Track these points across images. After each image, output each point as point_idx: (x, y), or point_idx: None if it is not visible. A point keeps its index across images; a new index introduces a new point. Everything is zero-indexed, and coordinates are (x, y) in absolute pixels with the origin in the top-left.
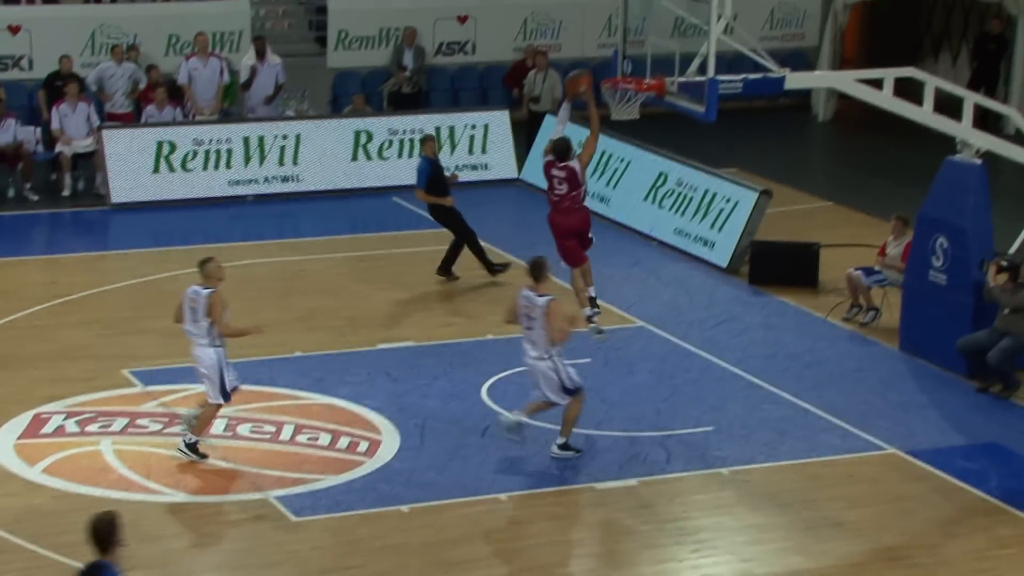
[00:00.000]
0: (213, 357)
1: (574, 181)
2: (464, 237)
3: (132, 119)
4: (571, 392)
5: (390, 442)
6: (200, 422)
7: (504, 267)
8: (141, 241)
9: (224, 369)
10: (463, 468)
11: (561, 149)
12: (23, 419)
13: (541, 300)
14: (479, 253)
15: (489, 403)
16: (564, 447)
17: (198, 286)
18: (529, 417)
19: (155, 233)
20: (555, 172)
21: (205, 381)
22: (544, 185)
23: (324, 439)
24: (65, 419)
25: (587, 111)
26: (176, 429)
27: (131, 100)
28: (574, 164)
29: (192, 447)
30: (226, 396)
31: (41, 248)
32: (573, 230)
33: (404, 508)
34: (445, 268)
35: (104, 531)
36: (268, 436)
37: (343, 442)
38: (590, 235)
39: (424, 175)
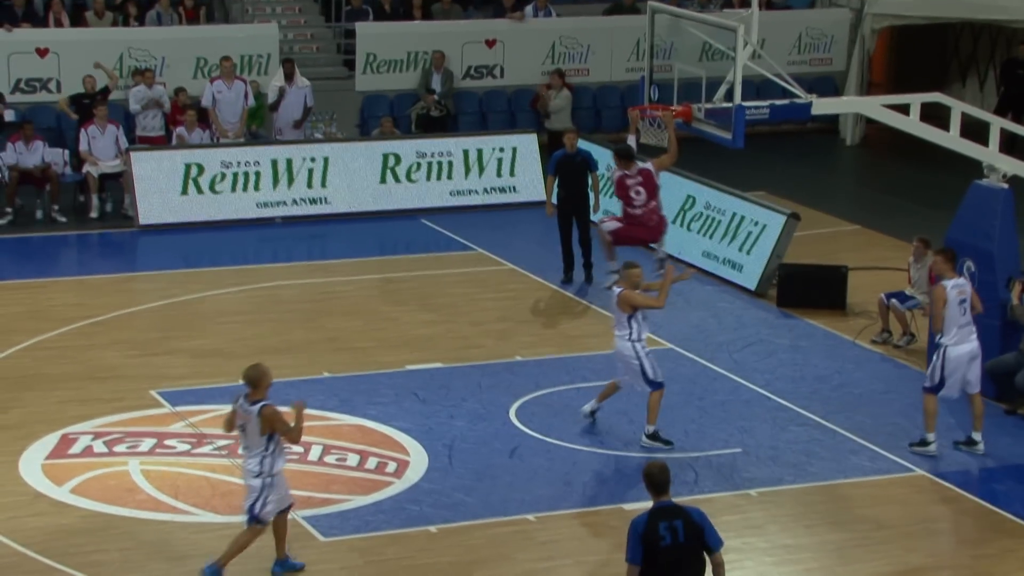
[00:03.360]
0: (256, 483)
1: (651, 184)
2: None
3: (165, 143)
4: (654, 384)
5: (418, 463)
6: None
7: (570, 279)
8: (169, 262)
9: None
10: (491, 489)
11: (626, 152)
12: (51, 439)
13: None
14: (566, 258)
15: (517, 424)
16: (653, 436)
17: (245, 401)
18: (599, 403)
19: (183, 254)
20: (629, 181)
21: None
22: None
23: (352, 459)
24: (93, 439)
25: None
26: (204, 449)
27: (162, 124)
28: (648, 166)
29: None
30: (255, 521)
31: (69, 269)
32: (652, 240)
33: (432, 529)
34: (579, 271)
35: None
36: (296, 457)
37: (371, 463)
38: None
39: (553, 164)
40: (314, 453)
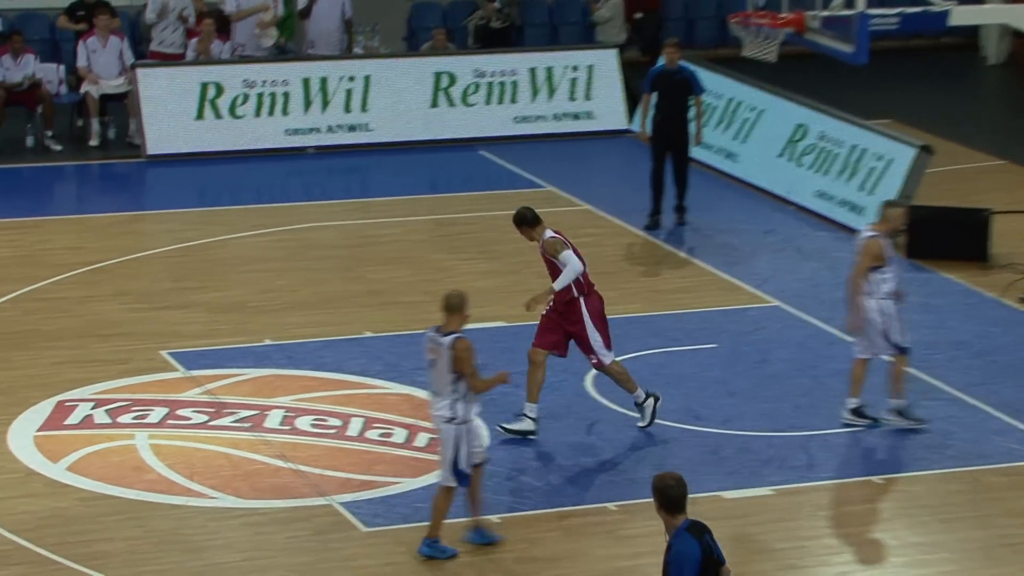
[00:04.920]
0: (450, 435)
1: (549, 263)
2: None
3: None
4: (900, 349)
5: None
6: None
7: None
8: (183, 199)
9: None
10: (563, 471)
11: (520, 218)
12: (45, 407)
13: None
14: (656, 198)
15: (595, 395)
16: (857, 412)
17: (437, 332)
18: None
19: (199, 190)
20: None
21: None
22: None
23: (399, 435)
24: (94, 408)
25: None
26: (224, 421)
27: (183, 39)
28: (549, 236)
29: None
30: (459, 477)
31: (66, 207)
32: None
33: (494, 518)
34: (668, 214)
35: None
36: (333, 431)
37: (421, 439)
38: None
39: (649, 80)
40: (354, 427)
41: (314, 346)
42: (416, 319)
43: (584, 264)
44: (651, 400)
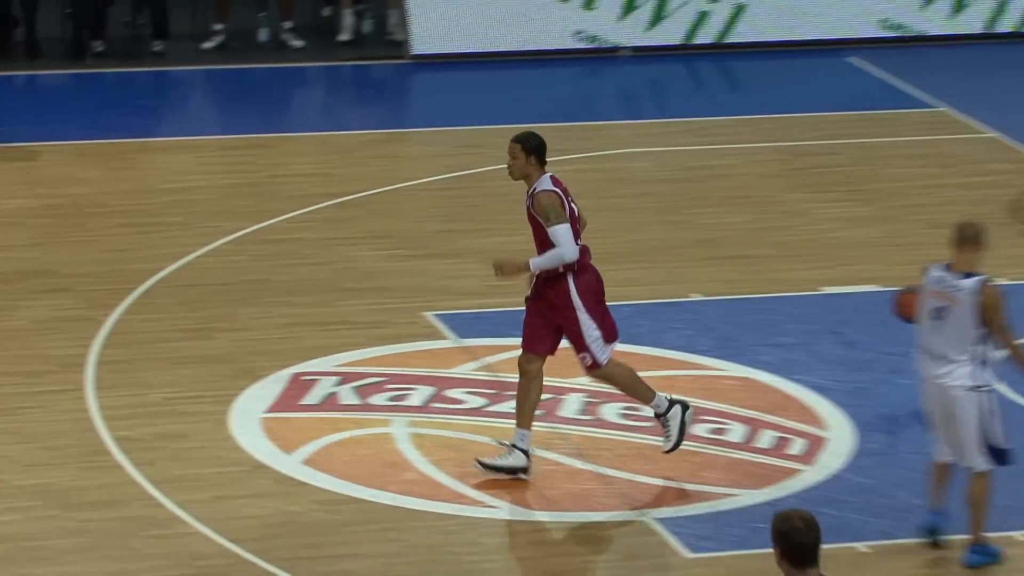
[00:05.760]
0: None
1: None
2: None
3: None
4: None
5: (841, 442)
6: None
7: None
8: (456, 114)
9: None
10: (958, 488)
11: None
12: (277, 381)
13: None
14: None
15: (1004, 389)
16: None
17: (949, 272)
18: None
19: (477, 102)
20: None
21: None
22: None
23: (736, 433)
24: (339, 384)
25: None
26: (506, 407)
27: None
28: (545, 187)
29: None
30: (998, 457)
31: (307, 121)
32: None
33: (861, 546)
34: None
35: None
36: (650, 425)
37: (765, 438)
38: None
39: None
40: None
41: (625, 312)
42: (761, 278)
43: (579, 237)
44: (677, 409)
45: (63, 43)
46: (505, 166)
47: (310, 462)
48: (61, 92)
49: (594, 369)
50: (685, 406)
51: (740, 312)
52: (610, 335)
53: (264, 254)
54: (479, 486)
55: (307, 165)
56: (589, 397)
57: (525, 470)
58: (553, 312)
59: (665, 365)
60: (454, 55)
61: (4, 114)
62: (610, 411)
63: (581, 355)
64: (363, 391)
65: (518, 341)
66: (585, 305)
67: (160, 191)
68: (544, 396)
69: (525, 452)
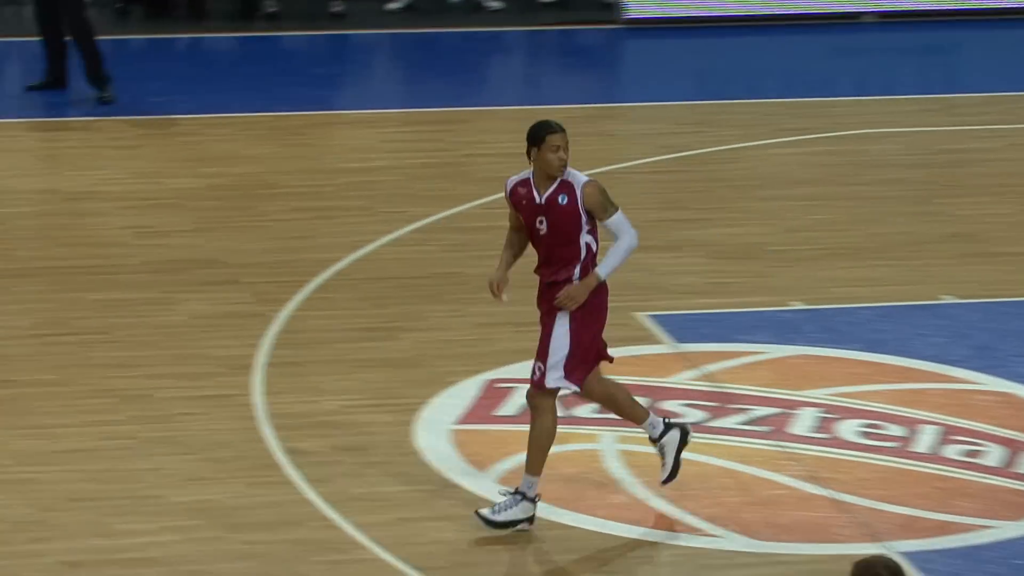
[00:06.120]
0: None
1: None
2: None
3: None
4: None
5: None
6: None
7: None
8: (674, 87)
9: None
10: None
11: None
12: (469, 389)
13: None
14: None
15: None
16: None
17: None
18: None
19: (698, 74)
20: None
21: None
22: None
23: (993, 455)
24: None
25: None
26: (730, 423)
27: None
28: (582, 181)
29: None
30: None
31: (504, 93)
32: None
33: None
34: None
35: None
36: (893, 445)
37: None
38: None
39: None
40: (925, 440)
41: (867, 315)
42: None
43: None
44: (675, 434)
45: (231, 2)
46: (720, 148)
47: (506, 481)
48: (228, 58)
49: (536, 390)
50: (685, 430)
51: (1000, 317)
52: (586, 367)
53: (455, 244)
54: (698, 511)
55: (504, 143)
56: (825, 412)
57: (531, 520)
58: (549, 316)
59: (912, 377)
60: (672, 19)
61: (165, 83)
62: (848, 429)
63: (534, 368)
64: (567, 402)
65: (744, 347)
66: (571, 324)
67: (338, 171)
68: (773, 411)
69: (532, 502)
